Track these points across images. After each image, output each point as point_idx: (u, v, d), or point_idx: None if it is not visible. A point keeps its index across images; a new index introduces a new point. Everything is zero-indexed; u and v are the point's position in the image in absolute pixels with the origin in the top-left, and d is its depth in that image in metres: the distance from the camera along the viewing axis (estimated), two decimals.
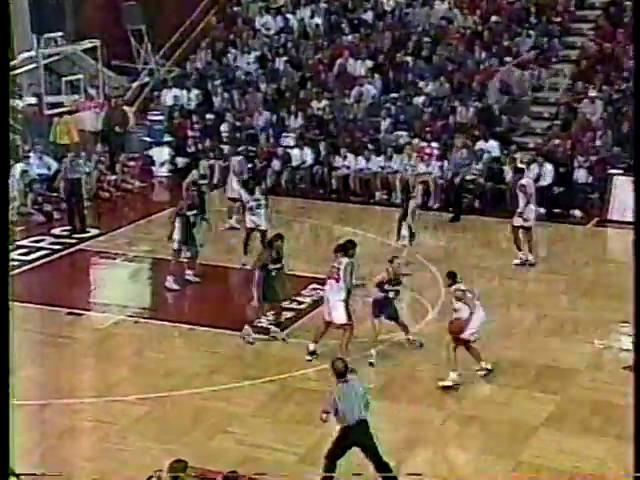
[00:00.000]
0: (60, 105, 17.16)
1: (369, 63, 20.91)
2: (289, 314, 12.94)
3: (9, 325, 6.51)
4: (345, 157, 19.19)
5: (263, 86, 21.30)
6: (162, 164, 19.83)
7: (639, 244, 7.63)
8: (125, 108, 20.88)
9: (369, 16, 22.19)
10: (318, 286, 13.85)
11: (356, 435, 8.48)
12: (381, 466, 8.62)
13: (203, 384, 11.01)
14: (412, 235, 14.47)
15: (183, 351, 12.06)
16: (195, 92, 21.52)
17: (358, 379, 8.80)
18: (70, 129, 19.12)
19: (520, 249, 14.79)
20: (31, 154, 18.49)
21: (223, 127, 20.48)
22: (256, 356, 11.86)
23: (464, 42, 20.58)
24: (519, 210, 14.75)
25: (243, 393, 10.80)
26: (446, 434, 10.02)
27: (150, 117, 20.85)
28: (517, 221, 14.75)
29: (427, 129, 19.14)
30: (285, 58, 21.69)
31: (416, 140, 19.04)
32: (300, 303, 13.42)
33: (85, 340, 12.28)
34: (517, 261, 14.80)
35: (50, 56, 16.46)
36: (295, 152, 19.65)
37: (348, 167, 19.09)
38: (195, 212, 14.02)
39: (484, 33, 20.71)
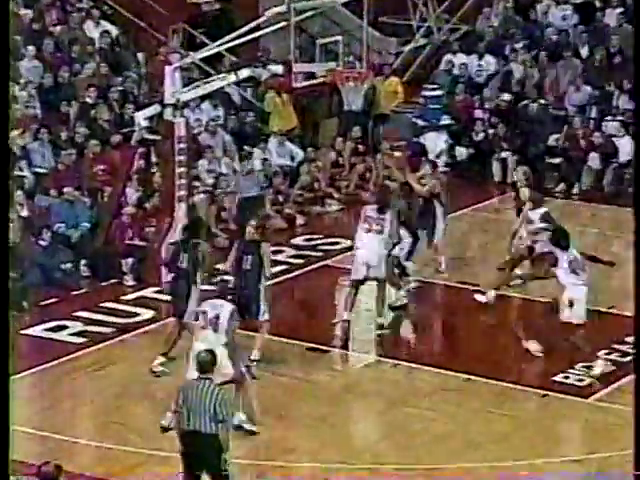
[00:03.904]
0: (311, 76, 17.74)
1: None
2: (607, 369, 12.74)
3: (9, 325, 7.57)
4: None
5: (584, 50, 21.03)
6: (438, 155, 19.98)
7: (639, 247, 8.91)
8: (393, 79, 21.31)
9: None
10: None
11: (187, 446, 9.39)
12: None
13: (483, 457, 11.00)
14: None
15: (457, 409, 12.13)
16: (488, 58, 21.61)
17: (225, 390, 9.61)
18: (285, 108, 19.60)
19: None
20: (271, 139, 19.31)
21: (524, 108, 20.40)
22: (565, 423, 11.75)
23: None
24: None
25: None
26: None
27: (425, 92, 21.11)
28: None
29: None
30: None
31: None
32: (624, 354, 13.19)
33: (329, 385, 12.63)
34: None
35: (303, 12, 17.03)
36: (623, 141, 19.24)
37: None
38: None
39: None
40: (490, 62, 21.55)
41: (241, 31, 16.38)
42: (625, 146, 19.19)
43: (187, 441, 9.42)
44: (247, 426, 11.31)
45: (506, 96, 20.71)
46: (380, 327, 14.08)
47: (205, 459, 9.36)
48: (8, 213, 8.30)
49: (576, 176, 19.39)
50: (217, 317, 11.29)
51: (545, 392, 12.31)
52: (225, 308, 11.36)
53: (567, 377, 12.61)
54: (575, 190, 19.33)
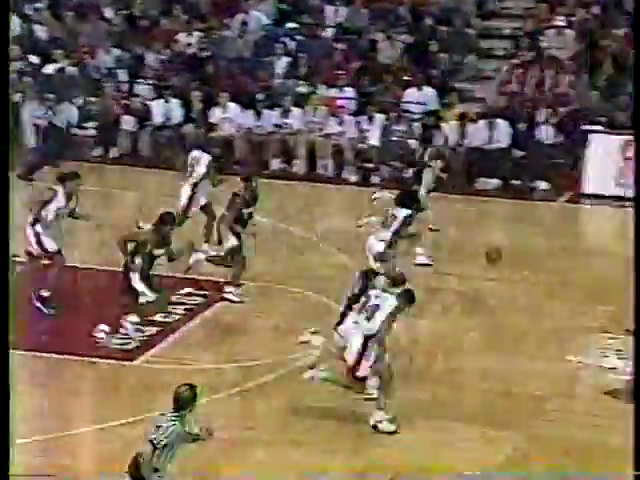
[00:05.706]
0: None
1: None
2: (153, 329, 13.11)
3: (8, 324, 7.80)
4: (226, 112, 19.32)
5: (109, 12, 21.41)
6: None
7: (639, 237, 9.02)
8: None
9: None
10: (194, 291, 14.10)
11: None
12: None
13: None
14: None
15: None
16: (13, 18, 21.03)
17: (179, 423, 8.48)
18: None
19: None
20: None
21: (50, 69, 20.36)
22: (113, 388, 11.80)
23: None
24: None
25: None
26: None
27: None
28: None
29: (338, 73, 19.49)
30: None
31: (323, 88, 19.42)
32: (168, 314, 13.54)
33: None
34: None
35: None
36: (156, 104, 19.78)
37: (231, 125, 19.20)
38: None
39: None
40: (15, 22, 20.98)
41: None
42: (158, 109, 19.60)
43: None
44: (385, 427, 10.81)
45: (33, 58, 20.55)
46: None
47: None
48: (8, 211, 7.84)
49: (112, 140, 19.59)
50: (377, 307, 10.92)
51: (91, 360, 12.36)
52: (387, 303, 10.94)
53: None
54: (112, 154, 19.57)
